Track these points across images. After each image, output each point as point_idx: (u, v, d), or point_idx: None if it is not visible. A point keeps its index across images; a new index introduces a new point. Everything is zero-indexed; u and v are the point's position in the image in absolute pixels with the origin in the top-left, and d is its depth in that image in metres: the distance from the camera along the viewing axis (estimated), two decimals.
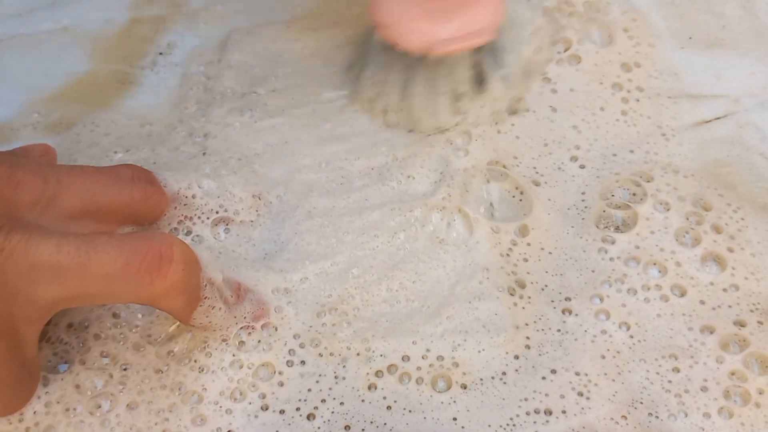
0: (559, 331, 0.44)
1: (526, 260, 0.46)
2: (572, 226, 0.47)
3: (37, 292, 0.36)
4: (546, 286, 0.45)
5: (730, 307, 0.44)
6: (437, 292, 0.45)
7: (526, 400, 0.42)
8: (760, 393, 0.42)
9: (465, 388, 0.42)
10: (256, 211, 0.47)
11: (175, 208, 0.45)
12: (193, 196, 0.45)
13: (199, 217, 0.45)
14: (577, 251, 0.46)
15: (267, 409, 0.42)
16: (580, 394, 0.42)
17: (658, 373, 0.42)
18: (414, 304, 0.45)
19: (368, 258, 0.46)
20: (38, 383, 0.41)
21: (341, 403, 0.42)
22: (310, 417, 0.42)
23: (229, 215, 0.46)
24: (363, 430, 0.41)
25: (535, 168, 0.49)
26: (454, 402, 0.42)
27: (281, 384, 0.42)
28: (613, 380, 0.42)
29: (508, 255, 0.46)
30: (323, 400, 0.42)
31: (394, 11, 0.47)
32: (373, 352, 0.43)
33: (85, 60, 0.54)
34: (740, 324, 0.43)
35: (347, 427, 0.41)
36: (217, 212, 0.46)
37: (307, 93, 0.52)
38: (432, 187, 0.48)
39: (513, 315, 0.44)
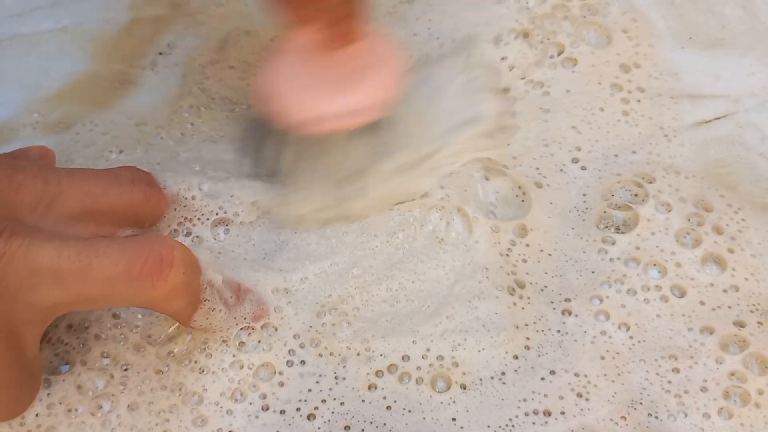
0: (558, 332, 0.44)
1: (525, 261, 0.46)
2: (572, 228, 0.47)
3: (37, 296, 0.36)
4: (546, 286, 0.45)
5: (729, 307, 0.44)
6: (437, 291, 0.45)
7: (525, 400, 0.42)
8: (759, 393, 0.42)
9: (464, 388, 0.42)
10: (256, 211, 0.47)
11: (175, 209, 0.45)
12: (193, 198, 0.45)
13: (198, 219, 0.45)
14: (577, 252, 0.46)
15: (267, 409, 0.42)
16: (580, 395, 0.42)
17: (657, 374, 0.42)
18: (414, 304, 0.45)
19: (368, 258, 0.46)
20: (40, 386, 0.41)
21: (341, 404, 0.42)
22: (310, 417, 0.42)
23: (229, 216, 0.46)
24: (363, 430, 0.41)
25: (537, 169, 0.48)
26: (454, 402, 0.42)
27: (281, 384, 0.42)
28: (613, 381, 0.42)
29: (507, 255, 0.46)
30: (323, 401, 0.42)
31: (275, 83, 0.44)
32: (373, 352, 0.43)
33: (85, 60, 0.53)
34: (740, 324, 0.43)
35: (347, 428, 0.41)
36: (216, 213, 0.46)
37: None
38: (431, 186, 0.48)
39: (512, 314, 0.44)
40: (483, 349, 0.43)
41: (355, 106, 0.44)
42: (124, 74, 0.53)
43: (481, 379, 0.43)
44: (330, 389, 0.42)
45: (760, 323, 0.43)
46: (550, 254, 0.46)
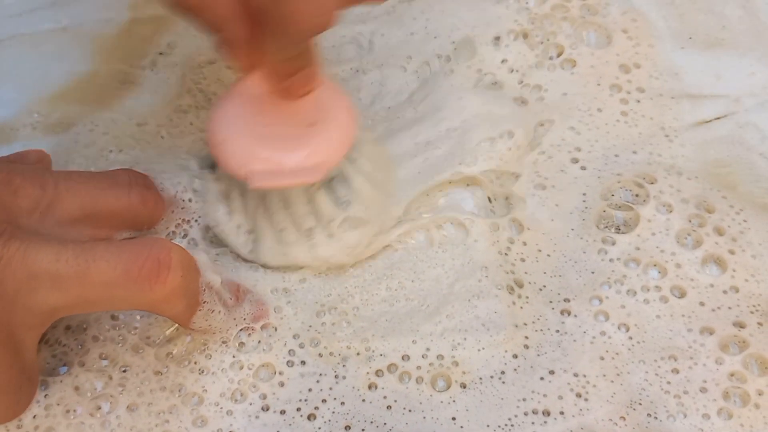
0: (557, 331, 0.44)
1: (523, 260, 0.46)
2: (572, 228, 0.47)
3: (36, 299, 0.36)
4: (545, 286, 0.45)
5: (729, 308, 0.44)
6: (436, 290, 0.45)
7: (524, 400, 0.42)
8: (759, 394, 0.42)
9: (464, 387, 0.42)
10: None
11: (173, 211, 0.45)
12: (190, 200, 0.45)
13: (196, 221, 0.45)
14: (577, 252, 0.46)
15: (268, 409, 0.42)
16: (579, 395, 0.42)
17: (657, 374, 0.42)
18: (413, 303, 0.45)
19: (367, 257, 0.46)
20: (37, 388, 0.41)
21: (342, 403, 0.42)
22: (310, 417, 0.42)
23: (228, 218, 0.46)
24: (363, 430, 0.41)
25: (536, 171, 0.48)
26: (454, 401, 0.42)
27: (282, 384, 0.42)
28: (612, 381, 0.42)
29: (506, 254, 0.46)
30: (324, 400, 0.42)
31: (224, 130, 0.42)
32: (373, 351, 0.43)
33: (85, 60, 0.54)
34: (740, 325, 0.43)
35: (347, 428, 0.41)
36: None
37: None
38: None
39: (512, 314, 0.44)
40: (483, 348, 0.43)
41: (307, 162, 0.42)
42: (124, 74, 0.53)
43: (480, 378, 0.43)
44: (330, 389, 0.42)
45: (760, 324, 0.43)
46: (549, 254, 0.46)
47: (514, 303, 0.44)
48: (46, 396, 0.41)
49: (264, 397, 0.42)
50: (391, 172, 0.48)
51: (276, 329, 0.44)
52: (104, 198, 0.42)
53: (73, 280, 0.36)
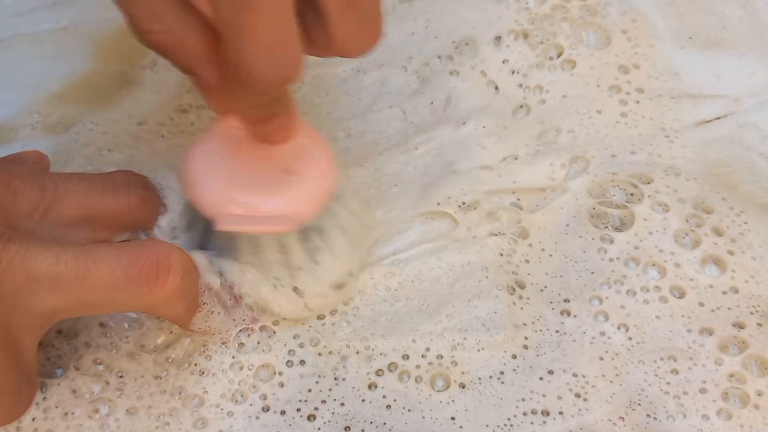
0: (557, 332, 0.44)
1: (527, 261, 0.46)
2: (572, 228, 0.46)
3: (35, 302, 0.36)
4: (545, 287, 0.45)
5: (729, 309, 0.44)
6: (436, 290, 0.45)
7: (523, 400, 0.42)
8: (759, 395, 0.42)
9: (463, 387, 0.42)
10: None
11: (172, 213, 0.45)
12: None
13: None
14: (577, 252, 0.46)
15: (268, 410, 0.42)
16: (578, 395, 0.42)
17: (656, 375, 0.42)
18: (413, 303, 0.45)
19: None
20: (37, 390, 0.41)
21: (342, 404, 0.42)
22: (310, 418, 0.42)
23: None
24: (363, 430, 0.41)
25: (536, 173, 0.48)
26: (453, 401, 0.42)
27: (281, 385, 0.42)
28: (611, 381, 0.42)
29: (507, 255, 0.46)
30: (323, 401, 0.42)
31: (198, 169, 0.41)
32: (373, 350, 0.43)
33: (85, 60, 0.53)
34: (739, 326, 0.43)
35: (347, 428, 0.41)
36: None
37: None
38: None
39: (512, 314, 0.44)
40: (482, 349, 0.43)
41: (281, 211, 0.41)
42: (124, 74, 0.53)
43: (479, 378, 0.43)
44: (330, 389, 0.42)
45: (759, 324, 0.43)
46: (551, 255, 0.46)
47: (514, 303, 0.44)
48: (44, 399, 0.41)
49: (264, 397, 0.42)
50: (369, 220, 0.47)
51: (275, 331, 0.44)
52: (103, 200, 0.42)
53: (72, 282, 0.36)
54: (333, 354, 0.43)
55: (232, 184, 0.41)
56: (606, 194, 0.48)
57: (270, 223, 0.41)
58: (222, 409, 0.42)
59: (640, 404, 0.42)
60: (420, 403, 0.42)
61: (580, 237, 0.46)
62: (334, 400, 0.42)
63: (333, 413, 0.42)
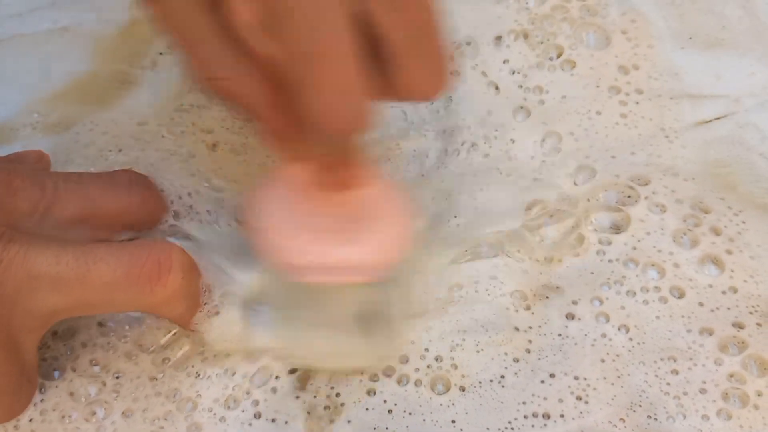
0: (559, 335, 0.43)
1: (525, 261, 0.46)
2: (572, 229, 0.47)
3: (35, 302, 0.36)
4: (547, 288, 0.45)
5: (728, 309, 0.44)
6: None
7: (524, 403, 0.42)
8: (758, 395, 0.42)
9: (463, 390, 0.42)
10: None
11: (173, 212, 0.45)
12: (191, 200, 0.45)
13: (200, 222, 0.45)
14: (577, 252, 0.46)
15: (260, 416, 0.42)
16: (579, 398, 0.42)
17: (656, 376, 0.42)
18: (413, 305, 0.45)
19: None
20: (36, 388, 0.41)
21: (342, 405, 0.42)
22: (308, 421, 0.42)
23: (228, 219, 0.46)
24: None
25: (536, 174, 0.48)
26: (453, 404, 0.42)
27: (277, 390, 0.42)
28: (612, 384, 0.42)
29: (508, 256, 0.46)
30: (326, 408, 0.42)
31: (266, 217, 0.40)
32: None
33: (85, 60, 0.53)
34: (739, 326, 0.43)
35: None
36: (216, 215, 0.46)
37: None
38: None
39: (512, 317, 0.44)
40: (482, 350, 0.43)
41: (356, 261, 0.39)
42: (124, 74, 0.53)
43: (480, 382, 0.42)
44: (327, 396, 0.42)
45: (759, 324, 0.43)
46: (550, 256, 0.46)
47: (515, 306, 0.44)
48: (42, 400, 0.41)
49: (256, 403, 0.42)
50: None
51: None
52: (104, 199, 0.42)
53: (73, 282, 0.36)
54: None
55: (303, 232, 0.39)
56: (612, 197, 0.47)
57: (347, 274, 0.39)
58: (215, 414, 0.41)
59: (640, 405, 0.42)
60: (420, 406, 0.42)
61: (579, 238, 0.46)
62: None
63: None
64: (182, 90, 0.52)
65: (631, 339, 0.43)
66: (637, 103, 0.51)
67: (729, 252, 0.45)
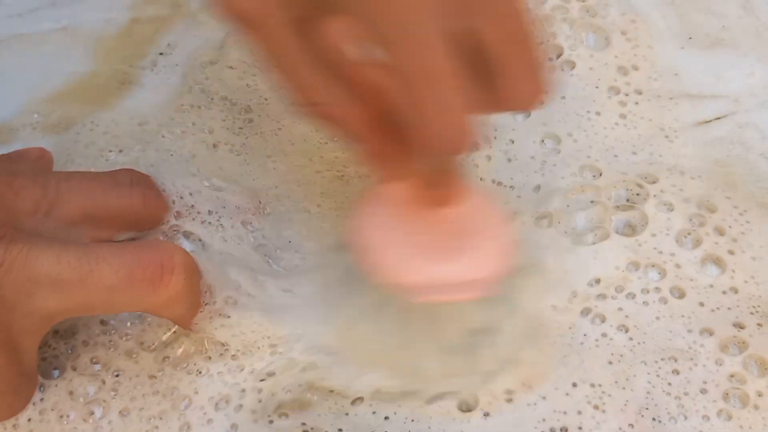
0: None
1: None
2: (572, 229, 0.46)
3: (36, 304, 0.36)
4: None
5: (729, 309, 0.44)
6: None
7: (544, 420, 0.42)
8: (759, 395, 0.42)
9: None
10: (255, 214, 0.47)
11: (174, 212, 0.45)
12: (192, 200, 0.45)
13: (201, 222, 0.45)
14: (579, 252, 0.46)
15: (261, 415, 0.42)
16: (596, 407, 0.42)
17: (658, 376, 0.42)
18: None
19: None
20: (36, 387, 0.41)
21: (340, 409, 0.42)
22: (305, 424, 0.41)
23: (229, 219, 0.46)
24: None
25: (536, 174, 0.48)
26: (468, 422, 0.42)
27: (274, 391, 0.42)
28: (623, 388, 0.42)
29: None
30: (319, 413, 0.42)
31: (372, 236, 0.40)
32: None
33: (85, 60, 0.53)
34: (739, 326, 0.43)
35: None
36: (217, 215, 0.46)
37: None
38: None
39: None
40: None
41: (466, 277, 0.39)
42: (124, 74, 0.53)
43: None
44: (326, 400, 0.42)
45: (759, 325, 0.43)
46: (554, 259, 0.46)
47: None
48: (42, 399, 0.41)
49: (259, 401, 0.42)
50: None
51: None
52: (105, 198, 0.42)
53: (75, 284, 0.36)
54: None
55: (410, 251, 0.39)
56: (616, 196, 0.47)
57: (458, 291, 0.39)
58: (205, 414, 0.41)
59: (647, 408, 0.41)
60: (431, 417, 0.42)
61: (580, 239, 0.46)
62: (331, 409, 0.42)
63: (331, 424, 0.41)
64: (182, 90, 0.52)
65: (631, 339, 0.43)
66: (637, 103, 0.51)
67: (731, 252, 0.45)
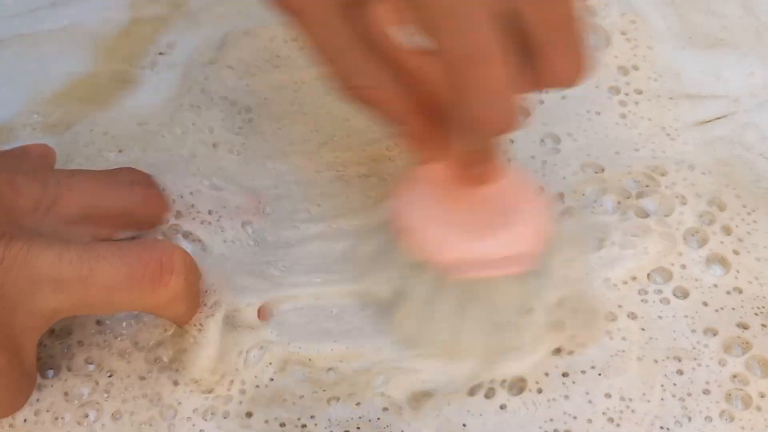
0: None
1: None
2: (573, 230, 0.46)
3: (36, 303, 0.36)
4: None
5: (733, 309, 0.44)
6: None
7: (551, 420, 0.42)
8: (761, 396, 0.42)
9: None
10: (255, 214, 0.47)
11: (175, 211, 0.45)
12: (192, 199, 0.45)
13: (201, 222, 0.45)
14: (580, 252, 0.46)
15: (251, 418, 0.41)
16: (611, 420, 0.41)
17: (665, 375, 0.42)
18: None
19: None
20: (35, 385, 0.40)
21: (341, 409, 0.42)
22: (303, 427, 0.41)
23: (229, 219, 0.46)
24: (358, 427, 0.41)
25: (535, 172, 0.48)
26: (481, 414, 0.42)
27: (272, 393, 0.42)
28: (644, 393, 0.42)
29: None
30: (312, 416, 0.42)
31: (413, 216, 0.40)
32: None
33: (85, 60, 0.53)
34: (743, 326, 0.43)
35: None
36: (217, 215, 0.46)
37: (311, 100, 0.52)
38: None
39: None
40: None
41: (509, 253, 0.39)
42: (124, 74, 0.53)
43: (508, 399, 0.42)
44: (321, 408, 0.42)
45: (763, 325, 0.43)
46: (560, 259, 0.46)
47: None
48: (37, 400, 0.41)
49: (250, 407, 0.41)
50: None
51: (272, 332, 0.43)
52: (106, 197, 0.42)
53: (75, 282, 0.36)
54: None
55: (452, 229, 0.40)
56: (616, 194, 0.47)
57: (501, 266, 0.40)
58: (199, 418, 0.41)
59: (657, 417, 0.41)
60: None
61: (583, 238, 0.46)
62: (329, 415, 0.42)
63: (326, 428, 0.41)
64: (182, 90, 0.52)
65: (638, 339, 0.43)
66: (637, 103, 0.51)
67: (736, 252, 0.45)
